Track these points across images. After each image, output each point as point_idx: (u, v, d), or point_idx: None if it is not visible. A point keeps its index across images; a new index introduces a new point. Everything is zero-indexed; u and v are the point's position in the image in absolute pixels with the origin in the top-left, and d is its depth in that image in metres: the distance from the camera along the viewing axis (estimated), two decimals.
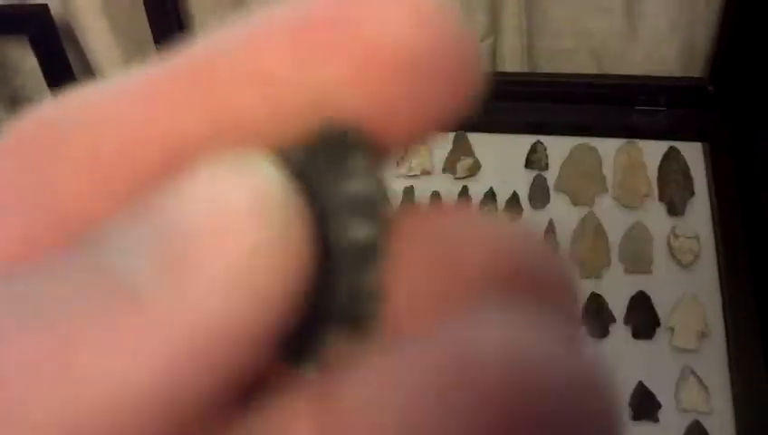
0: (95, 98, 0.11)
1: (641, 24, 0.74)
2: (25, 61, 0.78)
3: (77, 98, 0.11)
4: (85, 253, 0.10)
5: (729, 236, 0.67)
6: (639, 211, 0.70)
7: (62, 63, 0.76)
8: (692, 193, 0.70)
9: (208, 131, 0.11)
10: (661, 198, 0.70)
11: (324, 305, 0.11)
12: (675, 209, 0.69)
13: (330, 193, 0.11)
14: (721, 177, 0.70)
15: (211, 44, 0.11)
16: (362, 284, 0.11)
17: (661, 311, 0.64)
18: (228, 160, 0.10)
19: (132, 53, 0.80)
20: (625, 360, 0.62)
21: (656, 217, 0.69)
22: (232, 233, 0.09)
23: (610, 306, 0.65)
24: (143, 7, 0.75)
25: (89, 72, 0.82)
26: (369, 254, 0.11)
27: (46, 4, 0.74)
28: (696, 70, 0.76)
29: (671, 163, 0.71)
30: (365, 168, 0.11)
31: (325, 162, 0.11)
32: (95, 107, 0.11)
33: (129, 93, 0.11)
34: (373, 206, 0.11)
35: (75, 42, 0.79)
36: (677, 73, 0.76)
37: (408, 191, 0.72)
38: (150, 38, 0.77)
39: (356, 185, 0.11)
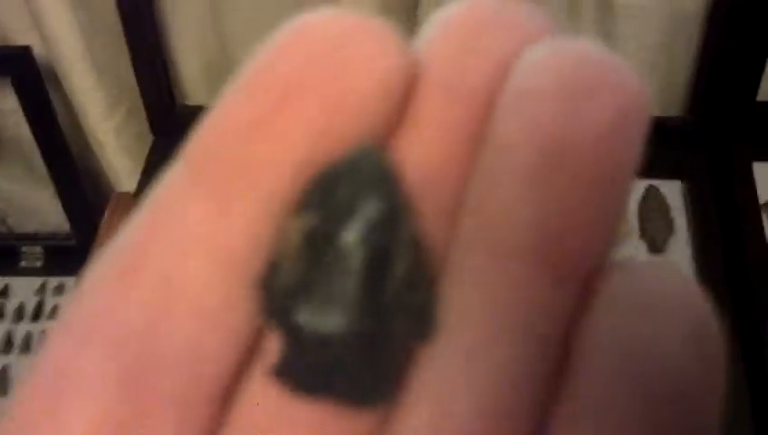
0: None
1: None
2: (5, 101, 0.78)
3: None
4: None
5: (710, 274, 0.67)
6: (621, 248, 0.70)
7: (44, 105, 0.76)
8: (672, 231, 0.70)
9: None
10: (642, 236, 0.70)
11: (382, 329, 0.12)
12: (656, 247, 0.69)
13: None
14: (701, 215, 0.71)
15: None
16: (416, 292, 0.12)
17: None
18: None
19: (115, 96, 0.80)
20: None
21: (637, 255, 0.69)
22: None
23: None
24: (127, 50, 0.75)
25: (71, 113, 0.82)
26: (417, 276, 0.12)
27: (29, 46, 0.74)
28: (676, 109, 0.77)
29: (651, 201, 0.72)
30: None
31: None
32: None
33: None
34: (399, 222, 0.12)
35: (58, 83, 0.79)
36: (657, 113, 0.77)
37: None
38: (134, 81, 0.77)
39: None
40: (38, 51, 0.75)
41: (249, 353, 0.13)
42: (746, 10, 0.67)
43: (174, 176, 0.13)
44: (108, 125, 0.81)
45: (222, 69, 0.80)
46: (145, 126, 0.81)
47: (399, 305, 0.12)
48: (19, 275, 0.81)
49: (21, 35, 0.77)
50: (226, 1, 0.75)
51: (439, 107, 0.12)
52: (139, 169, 0.80)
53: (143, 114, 0.80)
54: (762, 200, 0.70)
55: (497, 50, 0.12)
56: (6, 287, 0.80)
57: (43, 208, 0.84)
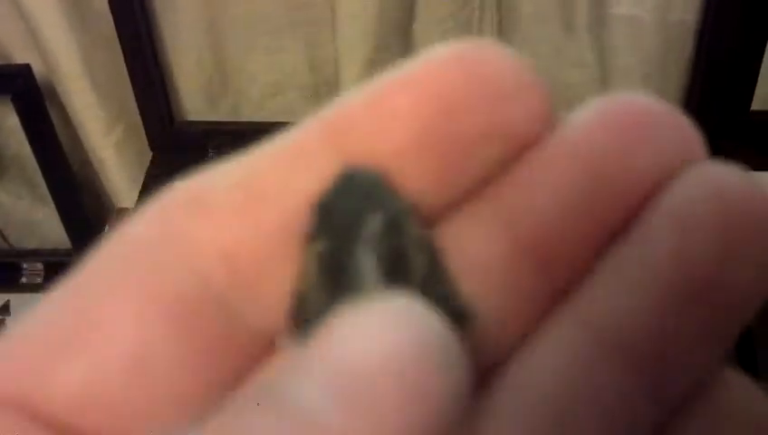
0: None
1: (614, 77, 0.76)
2: (6, 119, 0.79)
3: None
4: (270, 398, 0.10)
5: None
6: None
7: (44, 122, 0.77)
8: None
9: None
10: None
11: None
12: None
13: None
14: None
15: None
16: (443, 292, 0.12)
17: None
18: (386, 307, 0.11)
19: (115, 113, 0.81)
20: None
21: None
22: (407, 378, 0.10)
23: None
24: (125, 67, 0.76)
25: (71, 131, 0.82)
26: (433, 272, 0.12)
27: (29, 64, 0.75)
28: None
29: None
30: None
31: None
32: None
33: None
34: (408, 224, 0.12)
35: (58, 101, 0.80)
36: None
37: None
38: (133, 97, 0.78)
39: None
40: (38, 69, 0.76)
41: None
42: (740, 19, 0.68)
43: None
44: (107, 142, 0.82)
45: (220, 85, 0.81)
46: (144, 142, 0.81)
47: (425, 295, 0.12)
48: (20, 292, 0.81)
49: (21, 53, 0.78)
50: (224, 18, 0.76)
51: (583, 186, 0.12)
52: (139, 185, 0.81)
53: (142, 131, 0.80)
54: None
55: (655, 153, 0.12)
56: (7, 303, 0.80)
57: (44, 225, 0.85)
